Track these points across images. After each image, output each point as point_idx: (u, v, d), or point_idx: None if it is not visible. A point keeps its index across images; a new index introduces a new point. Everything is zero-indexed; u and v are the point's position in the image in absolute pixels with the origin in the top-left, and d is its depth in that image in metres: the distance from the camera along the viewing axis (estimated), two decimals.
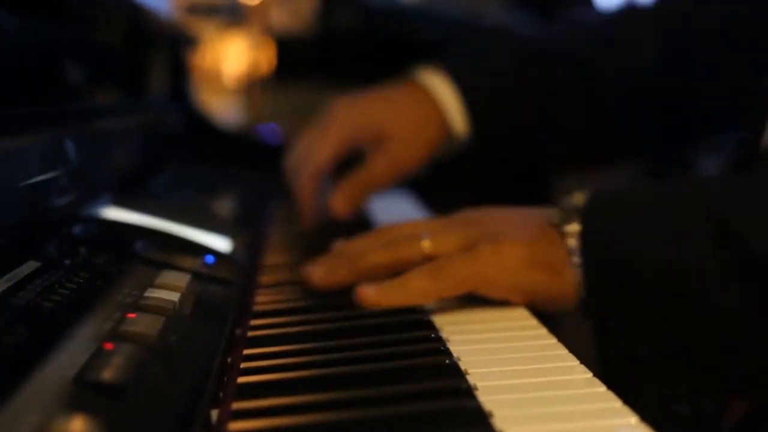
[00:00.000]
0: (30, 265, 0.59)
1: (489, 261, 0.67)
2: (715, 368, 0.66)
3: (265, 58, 2.17)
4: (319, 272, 0.73)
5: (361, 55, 2.26)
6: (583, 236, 0.67)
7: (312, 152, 0.99)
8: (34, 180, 0.65)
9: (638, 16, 1.09)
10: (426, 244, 0.70)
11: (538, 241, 0.68)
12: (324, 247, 0.91)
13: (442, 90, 1.01)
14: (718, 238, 0.63)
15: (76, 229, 0.70)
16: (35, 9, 0.77)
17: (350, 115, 1.00)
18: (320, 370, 0.55)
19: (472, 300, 0.69)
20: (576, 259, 0.67)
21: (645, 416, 0.63)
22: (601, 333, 0.68)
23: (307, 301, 0.72)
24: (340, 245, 0.77)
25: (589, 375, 0.53)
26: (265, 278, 0.80)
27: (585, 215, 0.68)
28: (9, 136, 0.64)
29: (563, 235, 0.68)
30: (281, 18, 2.20)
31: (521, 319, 0.66)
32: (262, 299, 0.73)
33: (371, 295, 0.68)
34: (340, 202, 0.96)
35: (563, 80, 1.06)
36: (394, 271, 0.70)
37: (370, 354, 0.57)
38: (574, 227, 0.67)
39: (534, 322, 0.65)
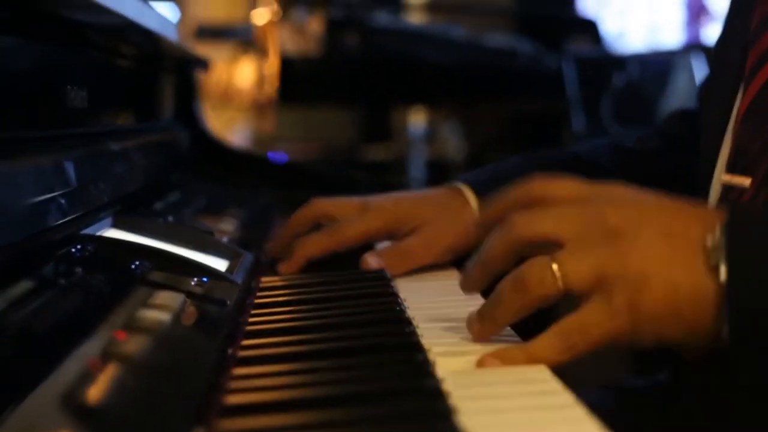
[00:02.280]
0: (23, 285, 0.60)
1: (625, 318, 0.60)
2: None
3: (273, 79, 2.19)
4: (475, 329, 0.67)
5: (367, 76, 2.28)
6: (729, 291, 0.59)
7: (346, 223, 0.97)
8: (31, 201, 0.66)
9: None
10: (557, 275, 0.62)
11: (684, 289, 0.60)
12: (323, 267, 0.92)
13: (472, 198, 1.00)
14: None
15: (73, 250, 0.71)
16: (43, 32, 0.79)
17: (393, 205, 1.00)
18: (309, 390, 0.56)
19: (463, 323, 0.70)
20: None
21: None
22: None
23: (299, 321, 0.72)
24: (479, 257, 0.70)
25: (571, 398, 0.53)
26: (261, 298, 0.81)
27: (731, 256, 0.59)
28: (7, 159, 0.66)
29: (716, 278, 0.59)
30: (289, 40, 2.22)
31: (509, 338, 0.67)
32: (257, 319, 0.74)
33: (490, 360, 0.62)
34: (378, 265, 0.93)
35: None
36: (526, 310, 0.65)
37: (355, 375, 0.58)
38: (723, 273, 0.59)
39: (520, 341, 0.66)
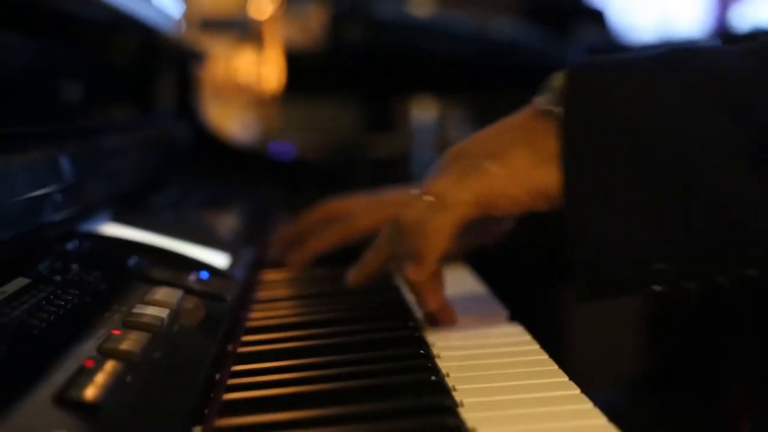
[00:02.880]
0: (19, 282, 0.59)
1: (497, 174, 0.63)
2: (708, 247, 0.60)
3: (276, 72, 2.18)
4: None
5: (371, 69, 2.26)
6: (566, 101, 0.62)
7: (357, 215, 0.93)
8: (25, 197, 0.65)
9: None
10: (428, 197, 0.65)
11: (535, 135, 0.63)
12: (326, 263, 0.91)
13: None
14: (732, 113, 0.58)
15: (70, 246, 0.70)
16: (43, 28, 0.78)
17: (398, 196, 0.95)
18: (307, 386, 0.55)
19: (466, 314, 0.69)
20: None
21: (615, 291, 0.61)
22: (571, 190, 0.62)
23: (301, 316, 0.71)
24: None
25: (577, 391, 0.52)
26: (262, 293, 0.80)
27: (570, 76, 0.63)
28: (1, 154, 0.65)
29: (554, 119, 0.63)
30: (291, 33, 2.21)
31: (515, 335, 0.66)
32: (257, 315, 0.73)
33: (411, 272, 0.65)
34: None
35: None
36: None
37: (358, 370, 0.57)
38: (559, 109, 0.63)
39: (527, 338, 0.65)
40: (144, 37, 1.11)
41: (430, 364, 0.57)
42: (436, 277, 0.67)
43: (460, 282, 0.82)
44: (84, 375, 0.47)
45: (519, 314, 0.71)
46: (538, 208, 0.64)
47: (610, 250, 0.61)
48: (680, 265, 0.60)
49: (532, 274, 0.95)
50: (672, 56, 0.63)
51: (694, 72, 0.61)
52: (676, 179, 0.59)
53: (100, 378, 0.47)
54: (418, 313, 0.70)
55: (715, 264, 0.60)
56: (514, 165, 0.63)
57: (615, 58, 0.65)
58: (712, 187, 0.59)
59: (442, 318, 0.68)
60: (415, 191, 0.67)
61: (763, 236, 0.59)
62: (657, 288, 0.61)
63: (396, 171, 2.73)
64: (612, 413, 0.50)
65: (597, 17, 2.69)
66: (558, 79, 0.64)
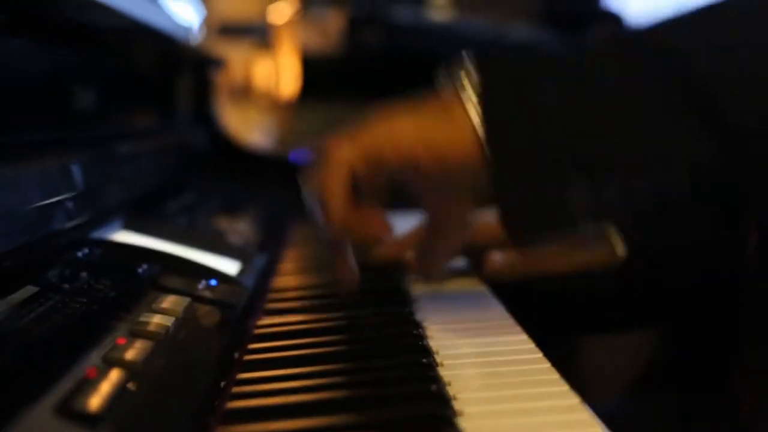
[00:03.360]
0: (28, 290, 0.59)
1: (381, 128, 0.69)
2: (618, 160, 0.64)
3: (293, 77, 2.19)
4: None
5: (388, 74, 2.26)
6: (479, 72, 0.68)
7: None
8: (36, 205, 0.66)
9: None
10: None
11: (425, 105, 0.70)
12: (334, 270, 0.91)
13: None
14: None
15: (80, 254, 0.71)
16: (61, 37, 0.79)
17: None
18: (310, 395, 0.56)
19: (474, 325, 0.70)
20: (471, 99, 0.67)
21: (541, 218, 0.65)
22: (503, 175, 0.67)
23: (308, 324, 0.72)
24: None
25: (577, 401, 0.52)
26: (271, 301, 0.81)
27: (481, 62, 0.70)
28: (13, 162, 0.66)
29: (455, 94, 0.68)
30: (309, 38, 2.22)
31: (519, 343, 0.66)
32: (265, 322, 0.73)
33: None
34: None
35: None
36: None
37: (361, 379, 0.57)
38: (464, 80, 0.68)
39: (531, 346, 0.65)
40: (161, 44, 1.12)
41: (431, 374, 0.57)
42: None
43: (467, 287, 0.82)
44: (87, 385, 0.47)
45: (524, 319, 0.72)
46: (426, 169, 0.68)
47: (529, 170, 0.66)
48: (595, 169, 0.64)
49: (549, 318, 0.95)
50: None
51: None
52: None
53: (104, 388, 0.47)
54: (425, 322, 0.70)
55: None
56: (400, 121, 0.69)
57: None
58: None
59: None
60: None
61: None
62: (580, 199, 0.64)
63: None
64: (615, 420, 0.50)
65: (614, 21, 2.68)
66: (461, 71, 0.70)
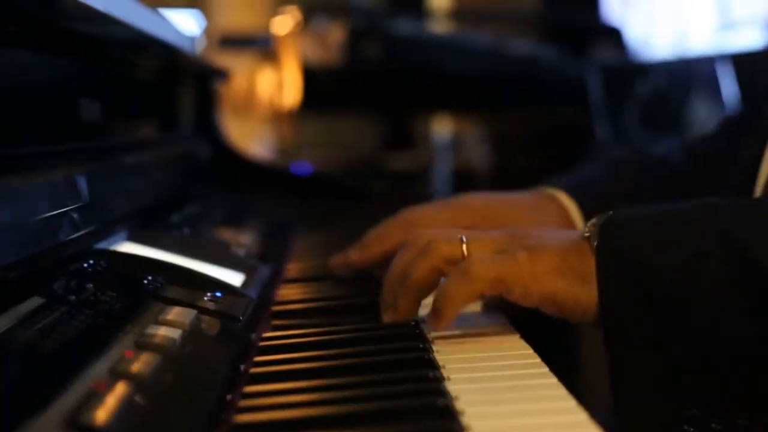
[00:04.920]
0: (34, 302, 0.59)
1: (523, 265, 0.69)
2: (723, 391, 0.67)
3: (294, 89, 2.19)
4: (388, 314, 0.75)
5: (389, 86, 2.27)
6: (598, 249, 0.69)
7: (414, 218, 0.91)
8: (42, 216, 0.66)
9: None
10: (464, 246, 0.72)
11: (570, 251, 0.70)
12: (339, 282, 0.91)
13: (568, 203, 0.98)
14: (733, 264, 0.65)
15: (85, 265, 0.71)
16: (61, 46, 0.79)
17: (476, 207, 0.95)
18: (317, 409, 0.56)
19: (479, 339, 0.70)
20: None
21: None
22: (614, 347, 0.69)
23: (313, 337, 0.72)
24: (388, 273, 0.77)
25: (585, 417, 0.52)
26: (275, 313, 0.80)
27: (602, 229, 0.70)
28: (18, 174, 0.66)
29: (592, 247, 0.70)
30: (310, 50, 2.22)
31: (524, 358, 0.66)
32: (270, 335, 0.73)
33: (432, 324, 0.71)
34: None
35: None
36: (439, 276, 0.73)
37: (368, 393, 0.57)
38: (596, 240, 0.70)
39: (537, 360, 0.65)
40: (166, 55, 1.12)
41: (439, 388, 0.57)
42: None
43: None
44: (94, 398, 0.47)
45: (528, 332, 0.72)
46: (544, 310, 0.71)
47: (647, 401, 0.69)
48: (708, 413, 0.67)
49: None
50: (688, 215, 0.71)
51: (703, 230, 0.69)
52: (688, 332, 0.66)
53: (111, 401, 0.47)
54: (430, 336, 0.70)
55: (736, 410, 0.67)
56: (541, 264, 0.70)
57: (643, 212, 0.73)
58: (717, 340, 0.66)
59: None
60: (459, 235, 0.73)
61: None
62: (690, 429, 0.67)
63: (415, 186, 2.74)
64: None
65: (613, 35, 2.69)
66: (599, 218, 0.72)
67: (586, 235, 0.71)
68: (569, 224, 0.95)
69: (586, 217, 0.94)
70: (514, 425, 0.52)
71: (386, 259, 0.87)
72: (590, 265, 0.69)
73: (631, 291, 0.68)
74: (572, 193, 0.97)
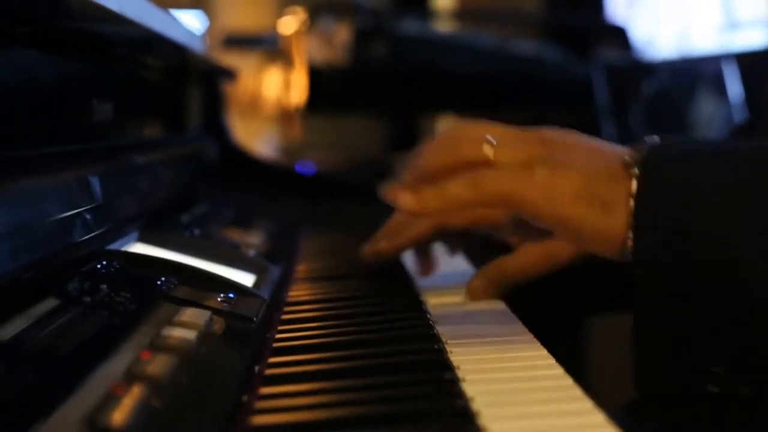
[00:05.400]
0: (49, 303, 0.59)
1: (539, 184, 0.65)
2: (755, 351, 0.61)
3: (301, 88, 2.19)
4: (409, 199, 0.70)
5: (395, 86, 2.27)
6: (640, 179, 0.63)
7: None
8: (55, 218, 0.66)
9: None
10: (488, 149, 0.68)
11: (599, 175, 0.65)
12: (352, 281, 0.91)
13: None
14: None
15: (99, 266, 0.71)
16: (70, 47, 0.79)
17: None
18: (335, 411, 0.55)
19: (493, 340, 0.70)
20: (632, 203, 0.63)
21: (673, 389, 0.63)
22: (642, 292, 0.63)
23: (328, 337, 0.72)
24: (411, 163, 0.74)
25: (602, 418, 0.52)
26: (287, 314, 0.80)
27: (647, 157, 0.64)
28: (32, 175, 0.66)
29: (631, 176, 0.64)
30: (316, 49, 2.22)
31: (539, 359, 0.66)
32: (284, 335, 0.73)
33: (409, 202, 0.68)
34: (479, 287, 0.83)
35: None
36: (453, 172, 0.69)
37: (383, 395, 0.57)
38: (636, 170, 0.64)
39: (552, 361, 0.65)
40: (176, 55, 1.12)
41: (455, 389, 0.57)
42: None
43: (485, 303, 0.82)
44: (111, 399, 0.47)
45: (540, 331, 0.71)
46: (560, 236, 0.68)
47: (673, 351, 0.63)
48: (735, 371, 0.61)
49: (557, 296, 0.94)
50: (752, 157, 0.64)
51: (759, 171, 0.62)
52: (730, 284, 0.60)
53: (128, 403, 0.47)
54: (445, 337, 0.70)
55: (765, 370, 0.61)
56: (559, 184, 0.65)
57: (698, 147, 0.68)
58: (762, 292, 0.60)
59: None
60: (488, 141, 0.69)
61: None
62: (714, 389, 0.61)
63: None
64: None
65: (617, 34, 2.69)
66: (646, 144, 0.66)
67: (627, 159, 0.64)
68: None
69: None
70: (531, 426, 0.52)
71: (412, 246, 0.88)
72: (619, 193, 0.63)
73: (670, 237, 0.61)
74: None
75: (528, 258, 0.83)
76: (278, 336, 0.73)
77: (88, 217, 0.73)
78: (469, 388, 0.58)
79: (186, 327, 0.61)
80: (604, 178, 0.65)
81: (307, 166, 1.63)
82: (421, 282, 0.91)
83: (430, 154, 0.72)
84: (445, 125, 0.82)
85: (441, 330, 0.71)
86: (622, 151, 0.66)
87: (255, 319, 0.71)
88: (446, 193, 0.67)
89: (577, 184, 0.65)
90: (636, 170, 0.63)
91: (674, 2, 3.04)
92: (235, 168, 1.40)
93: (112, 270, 0.71)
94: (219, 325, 0.66)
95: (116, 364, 0.53)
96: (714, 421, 0.62)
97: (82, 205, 0.73)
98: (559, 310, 0.86)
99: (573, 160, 0.66)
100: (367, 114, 2.70)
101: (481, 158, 0.68)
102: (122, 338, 0.58)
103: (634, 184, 0.63)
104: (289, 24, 2.24)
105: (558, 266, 0.83)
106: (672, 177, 0.63)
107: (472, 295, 0.82)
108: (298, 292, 0.90)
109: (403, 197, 0.68)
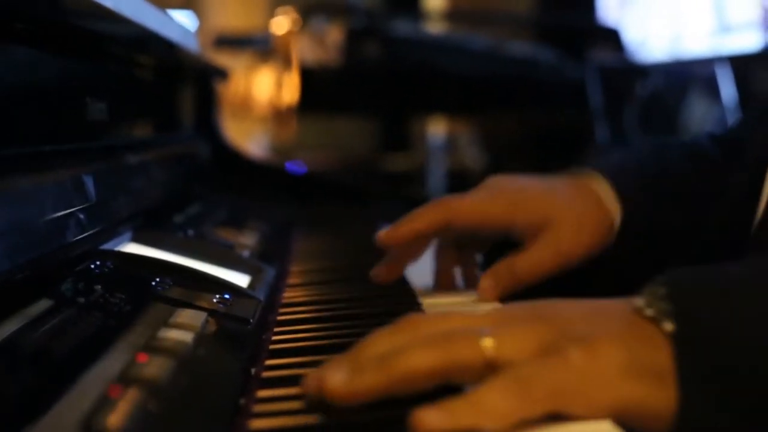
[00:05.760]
0: (43, 303, 0.58)
1: (579, 370, 0.51)
2: None
3: (293, 89, 2.19)
4: (337, 378, 0.53)
5: (387, 86, 2.27)
6: (678, 336, 0.53)
7: (450, 201, 0.85)
8: (49, 217, 0.65)
9: None
10: (488, 344, 0.53)
11: (637, 341, 0.53)
12: (346, 283, 0.90)
13: (603, 188, 0.89)
14: None
15: (93, 266, 0.70)
16: (64, 45, 0.78)
17: (511, 193, 0.87)
18: (332, 415, 0.54)
19: None
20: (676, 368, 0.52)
21: None
22: None
23: (325, 339, 0.71)
24: (365, 342, 0.57)
25: (608, 425, 0.51)
26: (284, 315, 0.79)
27: (678, 306, 0.54)
28: (26, 174, 0.65)
29: (663, 333, 0.53)
30: (308, 50, 2.21)
31: None
32: (280, 337, 0.72)
33: (434, 421, 0.49)
34: (489, 287, 0.81)
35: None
36: (441, 381, 0.53)
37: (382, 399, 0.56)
38: (670, 325, 0.53)
39: None
40: (170, 54, 1.11)
41: (454, 391, 0.56)
42: None
43: (482, 304, 0.82)
44: (107, 403, 0.46)
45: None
46: (625, 420, 0.53)
47: None
48: None
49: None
50: None
51: None
52: None
53: (124, 406, 0.46)
54: None
55: None
56: (604, 363, 0.52)
57: (717, 275, 0.57)
58: None
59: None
60: (484, 334, 0.54)
61: None
62: None
63: (410, 187, 2.74)
64: None
65: (611, 37, 2.69)
66: (657, 289, 0.55)
67: (648, 314, 0.54)
68: (605, 213, 0.87)
69: (623, 202, 0.88)
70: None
71: (417, 238, 0.87)
72: (664, 357, 0.52)
73: (725, 397, 0.51)
74: (610, 176, 0.89)
75: (538, 256, 0.82)
76: (274, 338, 0.72)
77: (81, 216, 0.72)
78: (468, 389, 0.57)
79: (182, 328, 0.60)
80: (643, 343, 0.53)
81: (299, 166, 1.62)
82: (416, 283, 0.91)
83: (419, 355, 0.53)
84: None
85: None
86: (630, 305, 0.56)
87: (252, 320, 0.71)
88: (484, 406, 0.50)
89: (622, 357, 0.52)
90: (668, 325, 0.53)
91: (667, 5, 3.04)
92: (227, 168, 1.40)
93: (106, 270, 0.70)
94: (215, 327, 0.65)
95: (111, 366, 0.52)
96: None
97: (76, 204, 0.72)
98: None
99: (597, 329, 0.54)
100: (359, 114, 2.70)
101: (481, 358, 0.53)
102: (117, 339, 0.57)
103: (673, 346, 0.53)
104: (281, 24, 2.23)
105: (569, 265, 0.83)
106: (712, 329, 0.53)
107: (483, 295, 0.81)
108: (293, 293, 0.89)
109: (428, 418, 0.49)
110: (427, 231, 0.85)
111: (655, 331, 0.53)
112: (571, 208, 0.85)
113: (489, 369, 0.52)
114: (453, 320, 0.57)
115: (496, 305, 0.81)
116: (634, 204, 0.89)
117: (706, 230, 0.92)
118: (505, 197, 0.85)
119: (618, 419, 0.52)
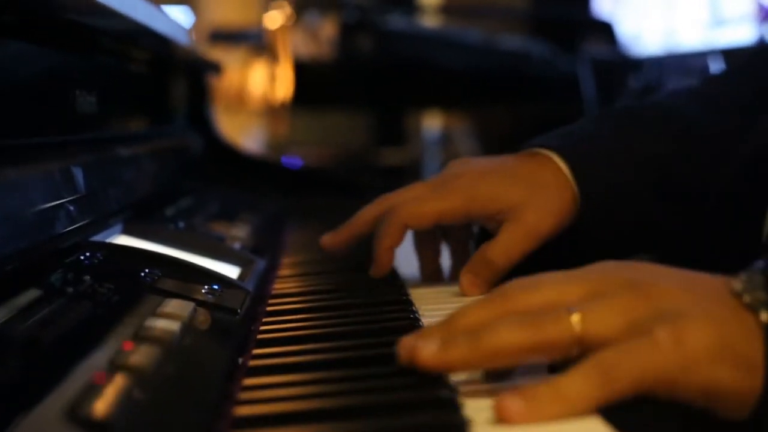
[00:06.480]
0: (31, 294, 0.59)
1: (667, 351, 0.50)
2: None
3: (287, 83, 2.19)
4: (429, 349, 0.55)
5: (381, 80, 2.27)
6: None
7: (415, 202, 0.85)
8: (39, 208, 0.65)
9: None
10: (576, 321, 0.53)
11: (729, 322, 0.52)
12: (336, 274, 0.91)
13: (555, 158, 0.88)
14: None
15: (82, 257, 0.70)
16: (56, 38, 0.78)
17: (466, 187, 0.86)
18: (321, 401, 0.55)
19: None
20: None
21: None
22: None
23: (313, 329, 0.71)
24: (458, 312, 0.58)
25: (599, 421, 0.52)
26: (273, 306, 0.80)
27: None
28: (15, 165, 0.65)
29: (758, 322, 0.52)
30: (302, 44, 2.22)
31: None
32: (268, 327, 0.73)
33: (519, 411, 0.50)
34: (471, 282, 0.82)
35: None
36: (529, 358, 0.55)
37: (368, 386, 0.57)
38: (766, 315, 0.52)
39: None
40: (161, 48, 1.12)
41: (440, 380, 0.56)
42: None
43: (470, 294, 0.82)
44: (94, 390, 0.47)
45: None
46: (706, 404, 0.52)
47: None
48: None
49: None
50: None
51: None
52: None
53: (111, 393, 0.47)
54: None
55: None
56: (692, 346, 0.51)
57: None
58: None
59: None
60: (573, 311, 0.53)
61: None
62: None
63: (405, 180, 2.74)
64: None
65: (604, 30, 2.70)
66: (756, 276, 0.54)
67: (746, 299, 0.53)
68: (567, 187, 0.86)
69: (579, 177, 0.86)
70: None
71: (358, 238, 0.88)
72: (757, 343, 0.51)
73: None
74: (565, 153, 0.87)
75: (509, 240, 0.82)
76: (263, 328, 0.72)
77: (71, 208, 0.73)
78: (456, 379, 0.57)
79: (169, 318, 0.61)
80: (735, 325, 0.52)
81: (293, 160, 1.63)
82: (405, 274, 0.91)
83: (508, 333, 0.54)
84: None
85: (426, 321, 0.71)
86: (723, 283, 0.55)
87: (239, 310, 0.71)
88: (568, 393, 0.51)
89: (711, 339, 0.51)
90: (765, 315, 0.52)
91: None
92: (219, 161, 1.40)
93: (96, 261, 0.71)
94: (203, 317, 0.65)
95: (100, 355, 0.53)
96: None
97: (66, 196, 0.72)
98: None
99: (688, 307, 0.53)
100: (353, 109, 2.71)
101: (570, 335, 0.53)
102: (106, 329, 0.57)
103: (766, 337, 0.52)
104: (275, 19, 2.24)
105: (541, 241, 0.83)
106: None
107: (466, 293, 0.82)
108: (283, 284, 0.89)
109: (513, 407, 0.50)
110: (369, 232, 0.87)
111: (750, 318, 0.52)
112: (530, 186, 0.85)
113: (577, 344, 0.53)
114: (544, 290, 0.57)
115: None
116: (585, 166, 0.88)
117: (670, 185, 0.92)
118: (460, 192, 0.85)
119: (699, 402, 0.52)
